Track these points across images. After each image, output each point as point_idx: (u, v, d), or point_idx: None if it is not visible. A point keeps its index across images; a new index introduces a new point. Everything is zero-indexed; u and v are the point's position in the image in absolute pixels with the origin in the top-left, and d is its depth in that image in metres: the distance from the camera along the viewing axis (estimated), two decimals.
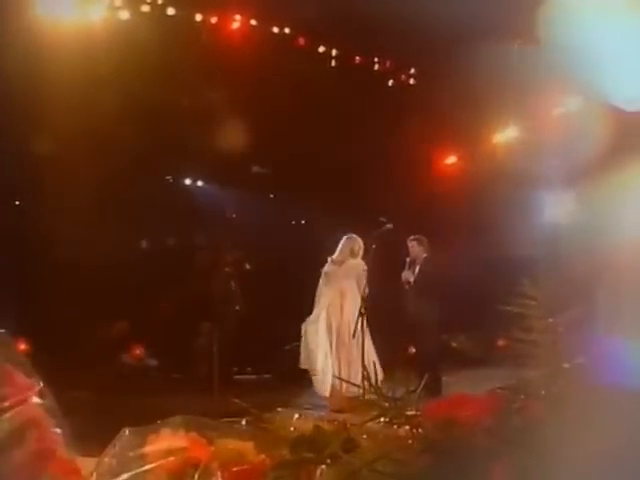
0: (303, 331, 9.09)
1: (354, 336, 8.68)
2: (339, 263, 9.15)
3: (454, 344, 11.20)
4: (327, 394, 8.58)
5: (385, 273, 10.53)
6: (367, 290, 8.90)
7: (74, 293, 10.65)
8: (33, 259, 10.79)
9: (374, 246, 10.72)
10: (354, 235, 9.28)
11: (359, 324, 8.68)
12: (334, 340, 8.85)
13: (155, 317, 11.82)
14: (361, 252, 9.19)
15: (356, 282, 9.01)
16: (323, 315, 8.96)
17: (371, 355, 8.72)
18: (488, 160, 12.71)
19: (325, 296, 9.08)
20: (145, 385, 10.63)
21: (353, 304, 8.93)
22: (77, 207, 10.57)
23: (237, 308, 11.41)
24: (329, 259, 9.20)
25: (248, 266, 11.57)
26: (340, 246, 9.20)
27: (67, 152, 10.25)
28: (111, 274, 11.07)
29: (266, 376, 12.06)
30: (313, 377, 8.92)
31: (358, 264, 9.10)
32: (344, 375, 8.60)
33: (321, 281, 9.19)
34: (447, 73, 10.56)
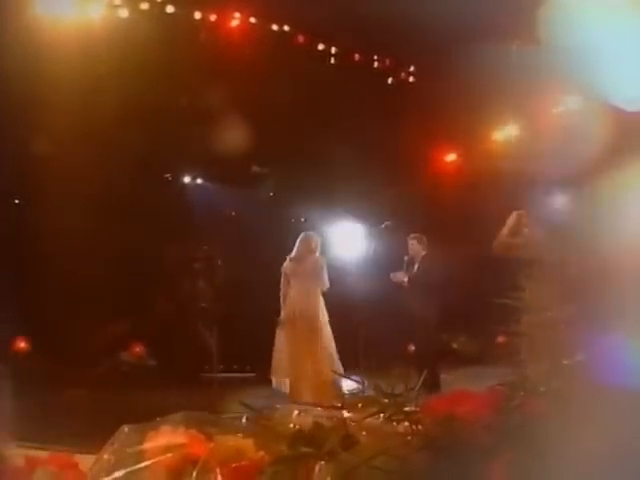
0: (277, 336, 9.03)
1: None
2: (298, 261, 9.01)
3: (455, 345, 11.20)
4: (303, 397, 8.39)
5: (384, 271, 10.55)
6: (328, 285, 8.93)
7: (72, 292, 10.66)
8: (32, 258, 10.77)
9: (374, 248, 10.76)
10: (310, 232, 9.25)
11: (325, 324, 8.78)
12: (298, 338, 8.77)
13: (140, 315, 11.71)
14: (318, 248, 9.10)
15: (317, 278, 8.92)
16: (289, 315, 8.86)
17: (332, 351, 8.79)
18: (487, 158, 12.70)
19: (289, 296, 8.95)
20: (123, 381, 10.51)
21: (316, 301, 8.89)
22: (76, 205, 10.56)
23: (203, 305, 11.25)
24: (287, 258, 9.09)
25: (220, 262, 11.40)
26: (297, 244, 9.08)
27: (66, 150, 10.24)
28: (109, 272, 11.07)
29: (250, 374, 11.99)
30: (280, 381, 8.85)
31: (317, 259, 9.02)
32: (309, 374, 8.60)
33: (282, 280, 9.05)
34: (447, 71, 10.55)
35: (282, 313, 8.92)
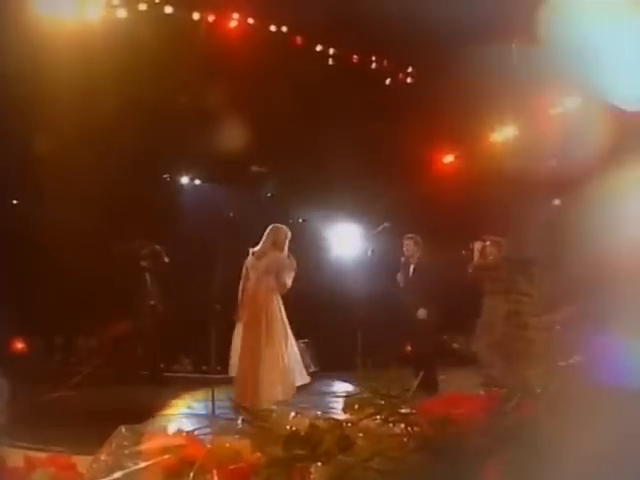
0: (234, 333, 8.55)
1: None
2: (259, 256, 8.42)
3: (455, 345, 11.19)
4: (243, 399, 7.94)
5: (382, 272, 10.57)
6: (289, 283, 8.34)
7: (70, 292, 10.66)
8: (30, 258, 10.77)
9: (372, 249, 10.78)
10: (279, 225, 8.56)
11: (285, 323, 8.39)
12: (249, 337, 8.29)
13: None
14: (286, 243, 8.41)
15: (275, 276, 8.31)
16: (243, 312, 8.39)
17: (294, 355, 8.41)
18: (486, 159, 12.70)
19: (246, 292, 8.43)
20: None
21: (266, 299, 8.34)
22: (74, 206, 10.56)
23: (152, 303, 11.15)
24: (250, 251, 8.48)
25: (167, 259, 11.30)
26: (264, 237, 8.46)
27: (64, 150, 10.24)
28: (107, 273, 11.06)
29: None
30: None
31: (278, 259, 8.36)
32: (264, 377, 8.14)
33: (243, 275, 8.52)
34: (445, 72, 10.56)
35: (238, 310, 8.44)
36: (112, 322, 11.18)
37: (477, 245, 10.23)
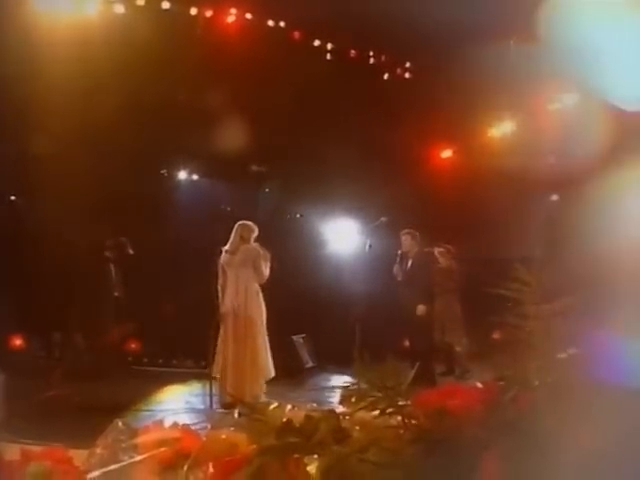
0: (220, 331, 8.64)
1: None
2: (232, 252, 8.62)
3: (458, 348, 11.21)
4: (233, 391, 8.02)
5: (380, 266, 10.58)
6: (267, 272, 8.56)
7: (68, 289, 10.66)
8: (28, 255, 10.76)
9: (370, 244, 10.78)
10: (244, 221, 8.79)
11: (260, 321, 8.47)
12: (231, 333, 8.44)
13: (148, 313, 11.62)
14: (253, 237, 8.69)
15: (252, 268, 8.53)
16: (226, 309, 8.51)
17: (265, 350, 8.52)
18: (484, 155, 12.70)
19: (225, 288, 8.60)
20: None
21: (247, 292, 8.50)
22: (72, 201, 10.54)
23: (116, 294, 11.13)
24: (223, 250, 8.68)
25: (131, 251, 11.25)
26: (232, 234, 8.69)
27: (62, 146, 10.22)
28: (104, 269, 11.05)
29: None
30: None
31: (252, 249, 8.61)
32: (240, 374, 8.30)
33: (219, 273, 8.66)
34: (443, 67, 10.55)
35: (221, 308, 8.55)
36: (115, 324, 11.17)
37: (437, 251, 11.22)
